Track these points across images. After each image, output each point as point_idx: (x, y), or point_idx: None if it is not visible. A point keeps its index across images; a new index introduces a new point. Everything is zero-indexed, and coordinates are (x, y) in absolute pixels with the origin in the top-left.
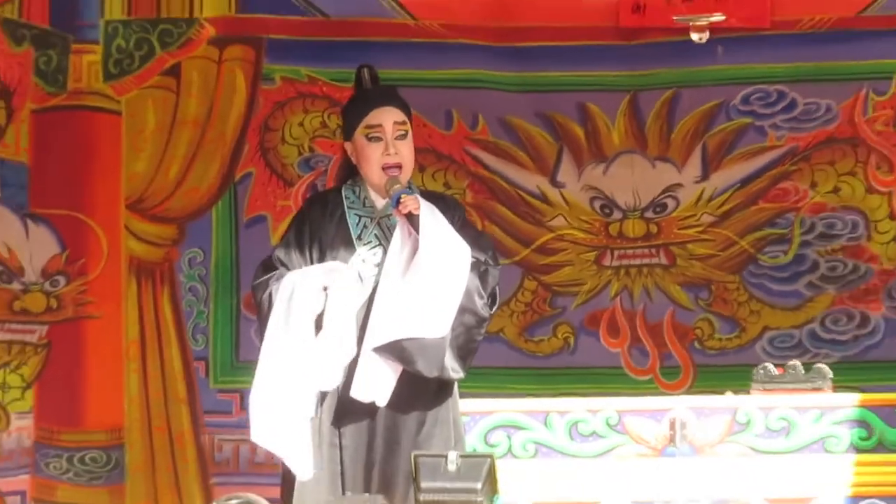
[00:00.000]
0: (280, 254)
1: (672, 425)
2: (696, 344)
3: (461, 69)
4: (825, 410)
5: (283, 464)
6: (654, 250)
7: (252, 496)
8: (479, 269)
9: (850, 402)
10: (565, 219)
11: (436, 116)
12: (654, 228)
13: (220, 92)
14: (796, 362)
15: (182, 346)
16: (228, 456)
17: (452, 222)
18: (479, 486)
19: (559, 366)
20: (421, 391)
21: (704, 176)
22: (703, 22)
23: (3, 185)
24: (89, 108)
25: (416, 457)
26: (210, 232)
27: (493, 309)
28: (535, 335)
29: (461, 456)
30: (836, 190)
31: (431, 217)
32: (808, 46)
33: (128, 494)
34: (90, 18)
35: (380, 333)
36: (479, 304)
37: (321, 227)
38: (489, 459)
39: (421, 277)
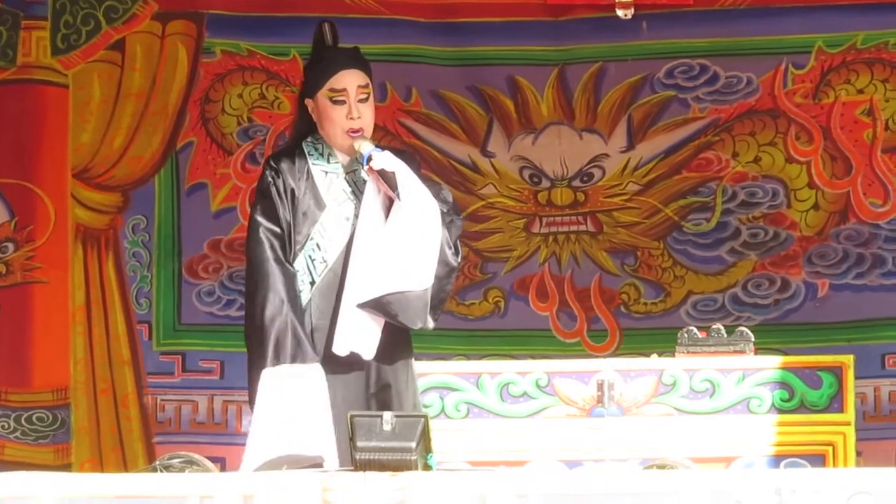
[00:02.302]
0: (263, 222)
1: (600, 387)
2: (623, 308)
3: (395, 44)
4: (748, 372)
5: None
6: (581, 218)
7: (193, 455)
8: (445, 220)
9: (771, 364)
10: (495, 187)
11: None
12: (581, 197)
13: (162, 65)
14: (719, 326)
15: (126, 309)
16: (171, 416)
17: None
18: (413, 445)
19: (490, 328)
20: (396, 344)
21: (630, 146)
22: None
23: None
24: (38, 82)
25: (351, 416)
26: (153, 199)
27: (459, 258)
28: (466, 299)
29: (396, 416)
30: (756, 160)
31: (405, 172)
32: (729, 22)
33: (73, 453)
34: None
35: (364, 289)
36: (449, 254)
37: (292, 179)
38: (423, 419)
39: (401, 233)
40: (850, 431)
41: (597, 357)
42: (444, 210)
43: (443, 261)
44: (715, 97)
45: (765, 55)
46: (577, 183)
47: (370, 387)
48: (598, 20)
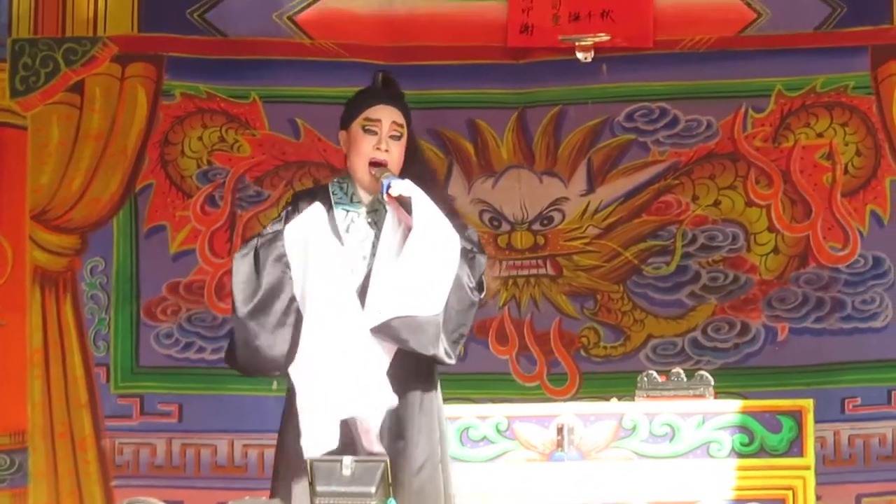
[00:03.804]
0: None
1: (560, 431)
2: (582, 352)
3: (356, 87)
4: (708, 416)
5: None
6: (541, 261)
7: (151, 500)
8: (467, 256)
9: (731, 408)
10: None
11: (331, 132)
12: (541, 240)
13: (122, 107)
14: (679, 370)
15: (84, 352)
16: (129, 459)
17: None
18: (372, 490)
19: (449, 371)
20: (408, 380)
21: (590, 190)
22: (588, 42)
23: None
24: None
25: (311, 461)
26: (111, 241)
27: (481, 295)
28: None
29: (355, 460)
30: (716, 203)
31: (423, 199)
32: (689, 65)
33: (31, 497)
34: None
35: (374, 314)
36: (469, 288)
37: None
38: (383, 464)
39: (414, 256)
40: (810, 475)
41: (557, 401)
42: (468, 247)
43: (462, 294)
44: (674, 140)
45: (724, 98)
46: (536, 226)
47: (381, 426)
48: (558, 63)
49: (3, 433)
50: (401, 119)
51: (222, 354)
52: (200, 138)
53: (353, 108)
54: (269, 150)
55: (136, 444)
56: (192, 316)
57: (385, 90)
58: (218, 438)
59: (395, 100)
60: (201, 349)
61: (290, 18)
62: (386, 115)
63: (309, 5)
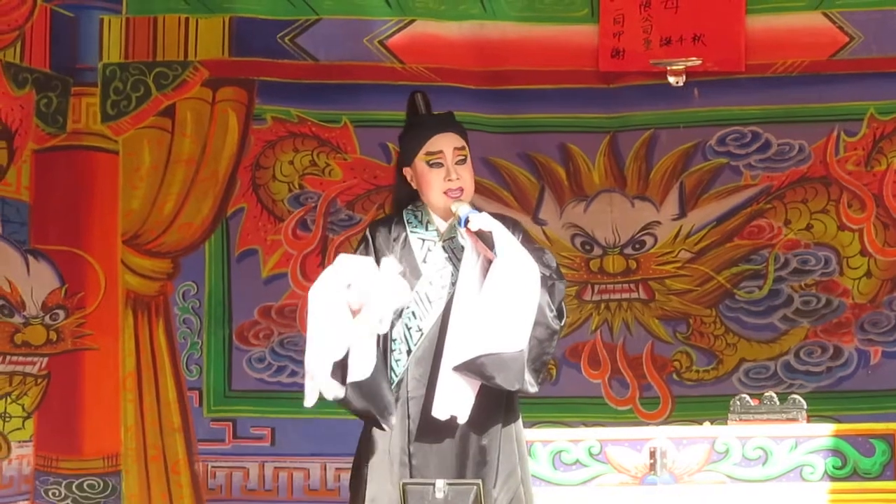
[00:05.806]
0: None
1: (652, 454)
2: (675, 375)
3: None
4: (800, 440)
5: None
6: (633, 285)
7: None
8: (546, 283)
9: (824, 431)
10: None
11: None
12: (633, 264)
13: (213, 131)
14: (772, 393)
15: (176, 376)
16: (221, 483)
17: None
18: None
19: (542, 396)
20: (492, 409)
21: (682, 214)
22: (679, 66)
23: (4, 222)
24: (88, 148)
25: (404, 484)
26: (203, 266)
27: (562, 322)
28: None
29: (448, 484)
30: (809, 227)
31: (502, 232)
32: (781, 89)
33: None
34: (89, 62)
35: (459, 351)
36: (550, 317)
37: (387, 250)
38: (476, 487)
39: (496, 293)
40: None
41: (649, 424)
42: (547, 274)
43: (543, 323)
44: (767, 164)
45: (817, 122)
46: (628, 250)
47: (464, 455)
48: (650, 87)
49: (96, 457)
50: (460, 142)
51: None
52: (292, 162)
53: (410, 144)
54: (360, 174)
55: (228, 467)
56: (285, 340)
57: (435, 117)
58: (310, 462)
59: (449, 124)
60: (293, 373)
61: (380, 43)
62: (446, 144)
63: (400, 30)
